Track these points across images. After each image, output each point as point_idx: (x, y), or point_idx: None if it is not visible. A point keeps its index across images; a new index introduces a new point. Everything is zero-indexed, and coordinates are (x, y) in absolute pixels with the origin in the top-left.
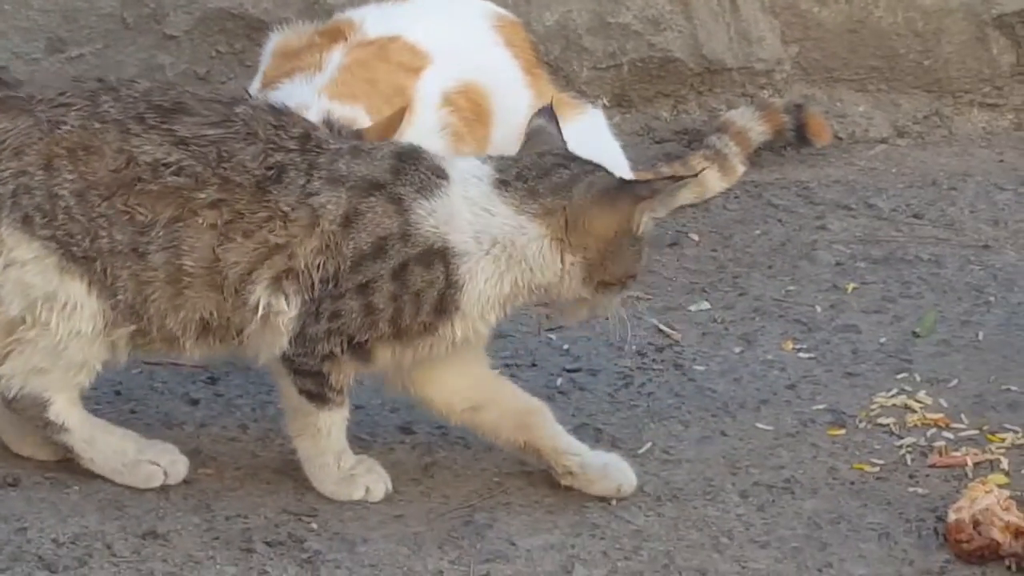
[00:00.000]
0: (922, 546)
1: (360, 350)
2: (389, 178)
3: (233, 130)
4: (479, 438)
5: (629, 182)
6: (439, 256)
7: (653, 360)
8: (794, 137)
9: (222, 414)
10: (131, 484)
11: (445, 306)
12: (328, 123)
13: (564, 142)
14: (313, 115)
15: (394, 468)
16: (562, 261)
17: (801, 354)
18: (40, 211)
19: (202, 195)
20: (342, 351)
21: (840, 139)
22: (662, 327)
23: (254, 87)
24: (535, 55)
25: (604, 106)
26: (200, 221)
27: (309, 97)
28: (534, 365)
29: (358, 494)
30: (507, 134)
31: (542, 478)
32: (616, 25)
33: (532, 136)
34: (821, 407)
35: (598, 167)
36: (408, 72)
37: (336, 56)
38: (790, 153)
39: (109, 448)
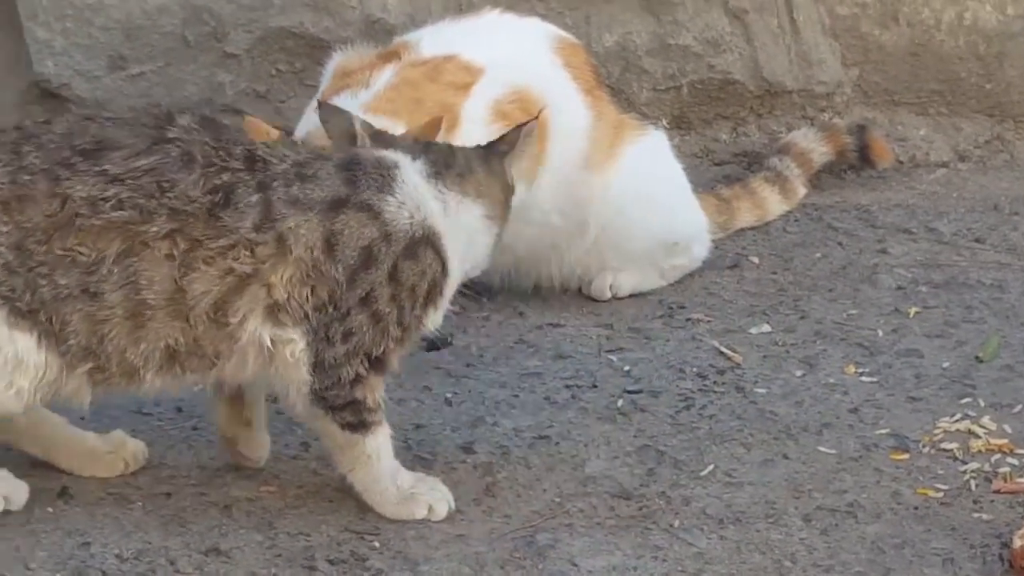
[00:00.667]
0: (986, 572)
1: (379, 363)
2: (347, 190)
3: (169, 157)
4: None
5: (487, 147)
6: (424, 244)
7: (714, 382)
8: (856, 158)
9: (284, 432)
10: None
11: (433, 295)
12: (364, 129)
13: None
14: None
15: (455, 488)
16: (491, 235)
17: (863, 378)
18: None
19: (153, 228)
20: (366, 370)
21: (901, 163)
22: (723, 349)
23: (312, 105)
24: (595, 77)
25: (663, 128)
26: (156, 253)
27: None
28: (595, 386)
29: (421, 513)
30: (565, 153)
31: (604, 500)
32: (676, 47)
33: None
34: (884, 431)
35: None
36: (457, 90)
37: (386, 75)
38: (850, 176)
39: None
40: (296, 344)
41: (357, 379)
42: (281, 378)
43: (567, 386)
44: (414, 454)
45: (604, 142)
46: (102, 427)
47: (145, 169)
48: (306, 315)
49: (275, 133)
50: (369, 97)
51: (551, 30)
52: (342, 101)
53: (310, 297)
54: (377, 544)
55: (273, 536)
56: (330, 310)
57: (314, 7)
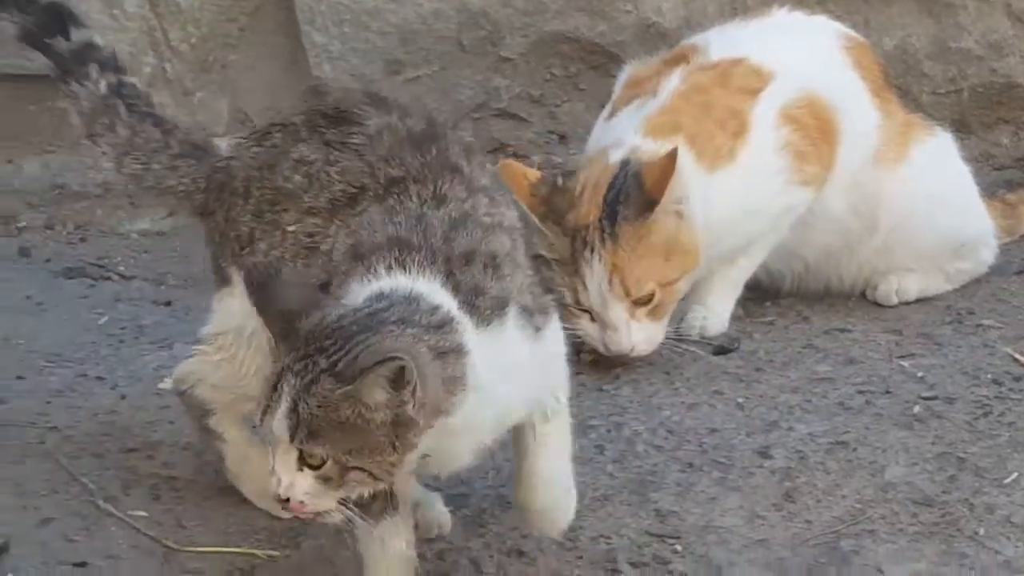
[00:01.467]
0: None
1: None
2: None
3: (364, 140)
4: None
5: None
6: None
7: (1011, 389)
8: None
9: (577, 435)
10: (270, 509)
11: None
12: (625, 162)
13: None
14: (621, 152)
15: (754, 492)
16: None
17: None
18: (238, 241)
19: (305, 200)
20: None
21: None
22: (1017, 356)
23: (603, 116)
24: (884, 77)
25: None
26: (294, 229)
27: (631, 128)
28: (888, 392)
29: None
30: (856, 153)
31: (905, 506)
32: (957, 50)
33: None
34: None
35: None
36: (746, 95)
37: (674, 81)
38: None
39: (261, 471)
40: None
41: None
42: None
43: (860, 391)
44: (710, 458)
45: (894, 140)
46: None
47: (352, 146)
48: None
49: (533, 175)
50: (656, 107)
51: (840, 29)
52: (628, 113)
53: None
54: (679, 548)
55: (574, 539)
56: None
57: (589, 11)
